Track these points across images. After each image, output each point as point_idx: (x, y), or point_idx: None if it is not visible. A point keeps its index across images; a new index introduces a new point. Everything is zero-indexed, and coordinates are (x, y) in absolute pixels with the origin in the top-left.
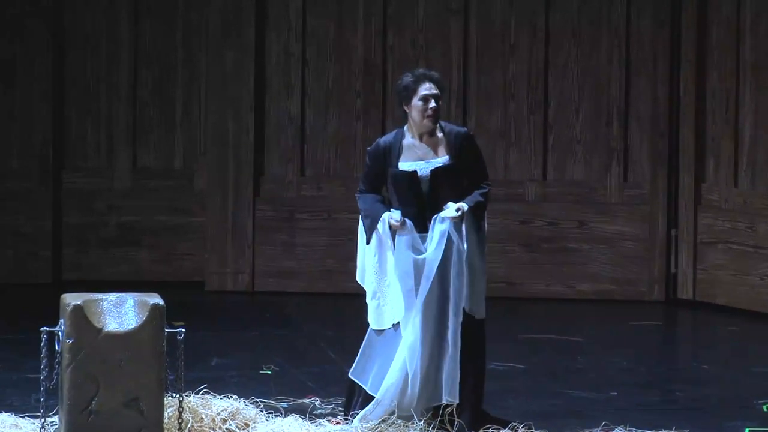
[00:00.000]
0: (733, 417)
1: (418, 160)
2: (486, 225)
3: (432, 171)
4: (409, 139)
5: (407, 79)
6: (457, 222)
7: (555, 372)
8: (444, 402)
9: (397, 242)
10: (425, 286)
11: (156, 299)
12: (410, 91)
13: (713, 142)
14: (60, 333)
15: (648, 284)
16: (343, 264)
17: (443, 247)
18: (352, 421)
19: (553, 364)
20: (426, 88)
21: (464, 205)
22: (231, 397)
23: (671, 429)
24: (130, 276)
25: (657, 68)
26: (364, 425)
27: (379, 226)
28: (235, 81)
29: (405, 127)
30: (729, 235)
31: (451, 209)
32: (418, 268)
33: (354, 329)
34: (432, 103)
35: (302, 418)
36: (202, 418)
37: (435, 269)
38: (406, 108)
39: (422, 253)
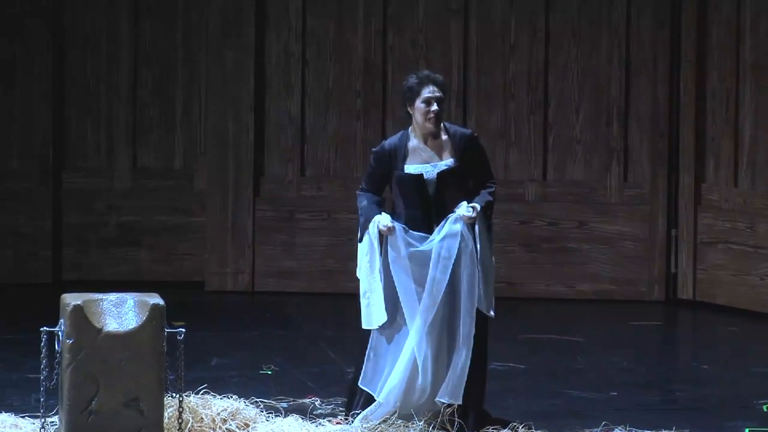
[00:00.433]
0: (733, 417)
1: (424, 162)
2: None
3: (438, 174)
4: (414, 142)
5: (412, 80)
6: (470, 222)
7: (555, 372)
8: (447, 402)
9: (390, 246)
10: (431, 286)
11: (156, 299)
12: (414, 93)
13: (713, 142)
14: (60, 333)
15: (648, 284)
16: (343, 264)
17: (456, 248)
18: (352, 421)
19: (553, 364)
20: (429, 91)
21: (477, 205)
22: (231, 397)
23: (671, 429)
24: (130, 276)
25: (657, 68)
26: (364, 425)
27: (370, 227)
28: (235, 81)
29: (409, 128)
30: (729, 235)
31: (463, 208)
32: (419, 264)
33: (354, 329)
34: (434, 106)
35: (302, 418)
36: (202, 418)
37: (450, 267)
38: (409, 109)
39: (419, 247)
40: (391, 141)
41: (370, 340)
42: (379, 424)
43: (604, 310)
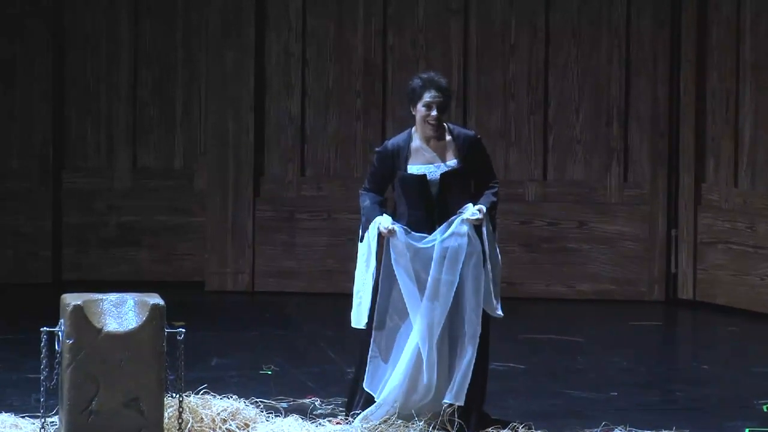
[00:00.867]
0: (733, 417)
1: (427, 163)
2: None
3: (442, 175)
4: (417, 142)
5: (416, 82)
6: (477, 224)
7: (555, 372)
8: (448, 402)
9: (392, 247)
10: (433, 286)
11: (156, 299)
12: (416, 96)
13: (713, 142)
14: (60, 333)
15: (648, 284)
16: (343, 264)
17: (464, 249)
18: (352, 421)
19: (553, 364)
20: (430, 96)
21: (483, 207)
22: (231, 397)
23: (671, 429)
24: (130, 276)
25: (657, 68)
26: (364, 425)
27: (370, 228)
28: (235, 81)
29: (413, 128)
30: (729, 235)
31: (469, 210)
32: (422, 265)
33: (354, 329)
34: (434, 111)
35: (302, 419)
36: (202, 418)
37: (456, 268)
38: (413, 110)
39: (420, 247)
40: (394, 141)
41: (371, 340)
42: (379, 424)
43: (604, 310)
